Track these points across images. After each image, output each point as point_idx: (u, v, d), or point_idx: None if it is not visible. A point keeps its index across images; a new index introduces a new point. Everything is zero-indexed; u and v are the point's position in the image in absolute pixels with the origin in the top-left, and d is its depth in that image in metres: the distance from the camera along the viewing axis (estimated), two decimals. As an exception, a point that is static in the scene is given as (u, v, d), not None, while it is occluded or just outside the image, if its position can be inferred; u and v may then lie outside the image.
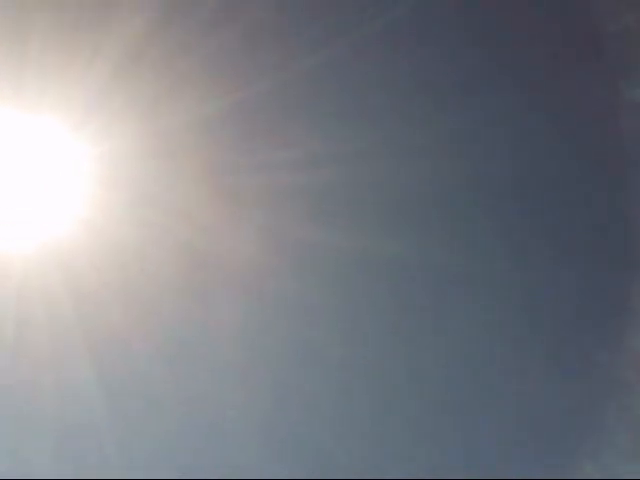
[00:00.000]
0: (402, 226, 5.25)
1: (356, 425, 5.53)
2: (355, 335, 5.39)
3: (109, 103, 4.78)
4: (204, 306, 5.15)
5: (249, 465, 5.31)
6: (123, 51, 4.69)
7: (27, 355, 4.98)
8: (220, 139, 4.96)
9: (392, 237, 5.20)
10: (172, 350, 5.19)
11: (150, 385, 5.15)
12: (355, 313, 5.37)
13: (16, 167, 4.82)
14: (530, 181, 5.24)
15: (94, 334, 5.02)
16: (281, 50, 4.88)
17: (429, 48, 5.00)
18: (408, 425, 5.50)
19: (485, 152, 5.09)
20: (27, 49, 4.62)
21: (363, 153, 5.06)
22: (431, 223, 5.26)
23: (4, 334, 4.90)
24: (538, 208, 5.25)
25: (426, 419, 5.50)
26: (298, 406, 5.43)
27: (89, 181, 4.88)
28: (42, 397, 5.02)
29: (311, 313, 5.27)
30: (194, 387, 5.27)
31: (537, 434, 5.45)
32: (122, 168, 4.88)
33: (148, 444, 5.25)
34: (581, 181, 5.24)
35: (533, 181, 5.25)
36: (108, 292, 4.97)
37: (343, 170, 5.06)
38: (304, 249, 5.16)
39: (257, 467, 5.31)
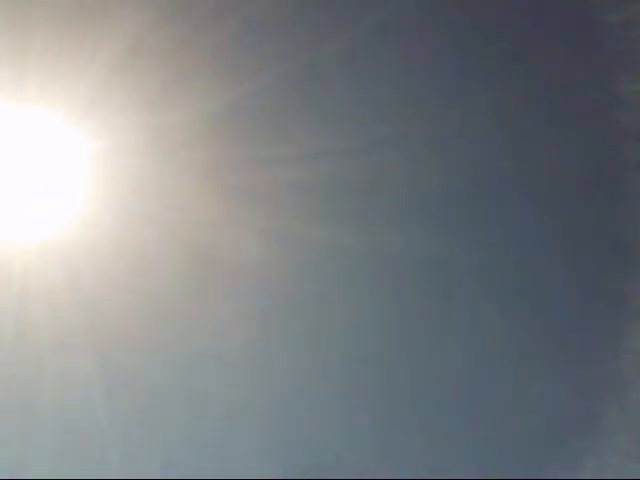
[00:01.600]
0: (405, 222, 5.22)
1: (360, 427, 5.50)
2: (359, 332, 5.35)
3: (110, 98, 4.75)
4: (206, 302, 5.11)
5: (251, 465, 5.27)
6: (124, 46, 4.67)
7: (28, 352, 4.94)
8: (221, 134, 4.93)
9: (395, 233, 5.16)
10: (174, 346, 5.15)
11: (152, 382, 5.11)
12: (358, 310, 5.34)
13: (17, 162, 4.79)
14: (533, 179, 5.22)
15: (95, 330, 4.99)
16: (282, 45, 4.85)
17: (430, 43, 4.98)
18: (412, 428, 5.48)
19: (487, 148, 5.08)
20: (28, 43, 4.59)
21: (366, 149, 5.02)
22: (434, 219, 5.23)
23: (5, 330, 4.86)
24: (542, 206, 5.21)
25: (427, 419, 5.48)
26: (302, 403, 5.39)
27: (90, 176, 4.85)
28: (44, 394, 4.97)
29: (313, 310, 5.24)
30: (196, 384, 5.23)
31: (538, 434, 5.43)
32: (123, 163, 4.85)
33: (150, 442, 5.21)
34: (582, 178, 5.24)
35: (536, 180, 5.22)
36: (109, 288, 4.94)
37: (346, 166, 5.02)
38: (306, 246, 5.13)
39: (259, 467, 5.28)
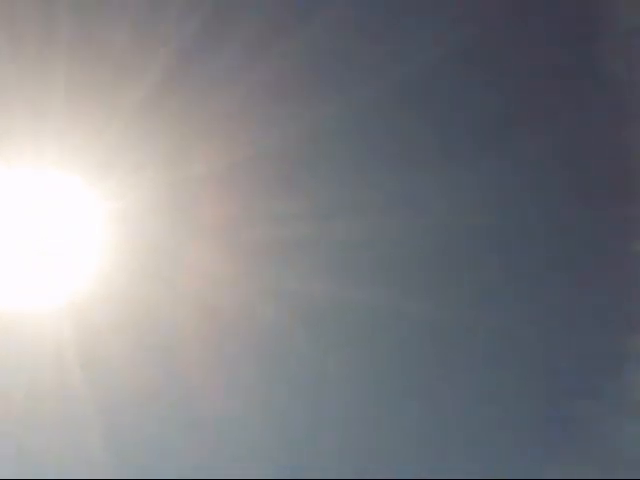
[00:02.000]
0: (413, 281, 5.26)
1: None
2: (364, 387, 5.36)
3: (124, 160, 4.83)
4: (217, 361, 5.09)
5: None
6: (137, 110, 4.76)
7: (39, 419, 4.87)
8: (233, 193, 5.00)
9: (403, 291, 5.20)
10: (185, 406, 5.11)
11: (162, 445, 5.06)
12: (362, 365, 5.35)
13: (33, 224, 4.81)
14: (543, 235, 5.28)
15: (106, 389, 4.95)
16: (289, 108, 4.94)
17: (437, 106, 5.11)
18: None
19: (497, 203, 5.15)
20: (44, 108, 4.66)
21: (375, 207, 5.11)
22: (437, 279, 5.28)
23: (17, 389, 4.80)
24: (555, 257, 5.30)
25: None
26: (307, 459, 5.34)
27: (103, 235, 4.89)
28: (54, 458, 4.90)
29: (320, 366, 5.24)
30: (207, 444, 5.18)
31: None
32: (136, 222, 4.89)
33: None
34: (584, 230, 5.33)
35: (546, 235, 5.28)
36: (121, 347, 4.92)
37: (355, 224, 5.09)
38: (314, 302, 5.15)
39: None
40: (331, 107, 4.91)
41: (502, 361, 5.36)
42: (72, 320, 4.82)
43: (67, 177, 4.77)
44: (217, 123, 4.89)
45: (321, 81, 4.92)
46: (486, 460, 5.37)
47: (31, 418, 4.93)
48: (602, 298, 5.27)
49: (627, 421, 5.26)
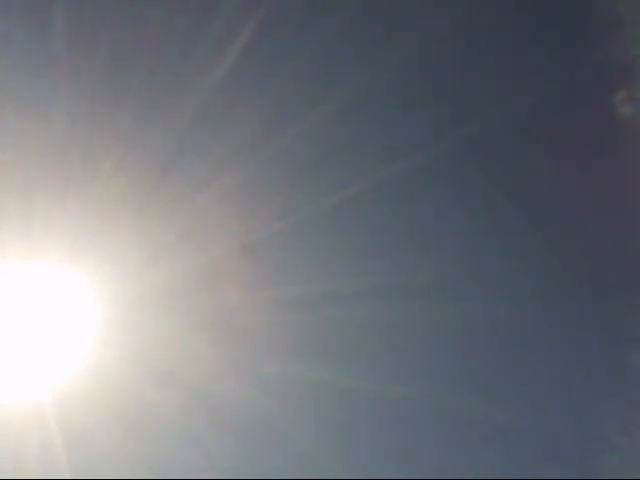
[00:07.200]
0: (405, 368, 5.25)
1: None
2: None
3: (115, 249, 4.84)
4: (208, 452, 5.04)
5: None
6: (131, 200, 4.81)
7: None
8: (226, 281, 5.01)
9: (395, 378, 5.19)
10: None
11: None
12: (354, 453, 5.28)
13: (25, 315, 4.81)
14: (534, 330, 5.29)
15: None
16: (285, 197, 5.02)
17: (431, 192, 5.20)
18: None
19: (488, 295, 5.18)
20: (36, 198, 4.69)
21: (367, 293, 5.11)
22: (435, 365, 5.29)
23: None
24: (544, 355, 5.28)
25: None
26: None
27: (96, 326, 4.88)
28: None
29: (316, 457, 5.16)
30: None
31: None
32: (128, 312, 4.88)
33: None
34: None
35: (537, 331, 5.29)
36: (110, 438, 4.87)
37: (348, 309, 5.09)
38: (305, 387, 5.11)
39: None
40: (325, 195, 4.99)
41: (500, 452, 5.29)
42: (58, 410, 4.79)
43: (58, 265, 4.76)
44: (210, 213, 4.95)
45: (314, 170, 5.01)
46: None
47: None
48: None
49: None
